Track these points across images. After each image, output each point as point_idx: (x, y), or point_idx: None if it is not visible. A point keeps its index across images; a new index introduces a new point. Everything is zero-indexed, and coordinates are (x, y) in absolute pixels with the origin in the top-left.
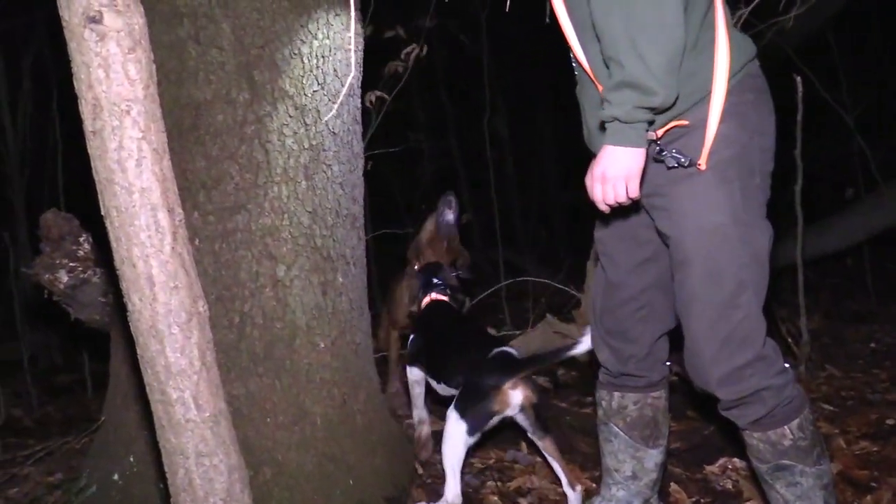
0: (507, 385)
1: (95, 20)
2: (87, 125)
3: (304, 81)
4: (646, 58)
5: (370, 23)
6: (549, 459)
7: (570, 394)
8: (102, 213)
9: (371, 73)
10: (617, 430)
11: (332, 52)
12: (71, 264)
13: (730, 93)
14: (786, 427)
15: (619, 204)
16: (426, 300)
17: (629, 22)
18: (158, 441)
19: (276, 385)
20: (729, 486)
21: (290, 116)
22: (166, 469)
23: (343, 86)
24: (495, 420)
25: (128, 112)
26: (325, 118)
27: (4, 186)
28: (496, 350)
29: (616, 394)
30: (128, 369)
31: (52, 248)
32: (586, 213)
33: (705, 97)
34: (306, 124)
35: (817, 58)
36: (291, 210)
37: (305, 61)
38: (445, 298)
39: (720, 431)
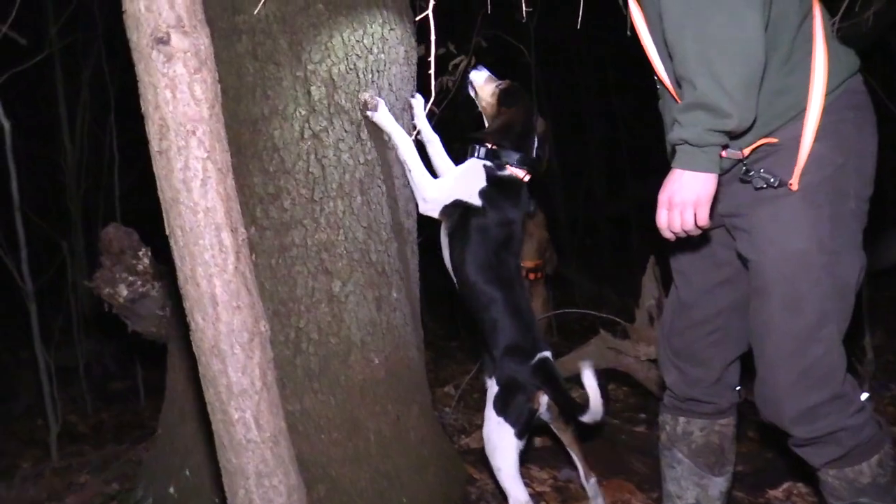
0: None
1: (163, 41)
2: (154, 145)
3: (360, 96)
4: (720, 78)
5: (421, 43)
6: (569, 450)
7: (620, 410)
8: (167, 232)
9: (419, 86)
10: (681, 456)
11: (388, 66)
12: (130, 278)
13: (826, 110)
14: (864, 464)
15: (686, 232)
16: None
17: (703, 39)
18: (218, 460)
19: (331, 401)
20: None
21: (346, 132)
22: (226, 489)
23: (398, 99)
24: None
25: (193, 132)
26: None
27: (62, 197)
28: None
29: (681, 419)
30: (184, 383)
31: (113, 262)
32: (638, 225)
33: (799, 115)
34: (361, 139)
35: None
36: (347, 225)
37: (361, 76)
38: None
39: (784, 455)
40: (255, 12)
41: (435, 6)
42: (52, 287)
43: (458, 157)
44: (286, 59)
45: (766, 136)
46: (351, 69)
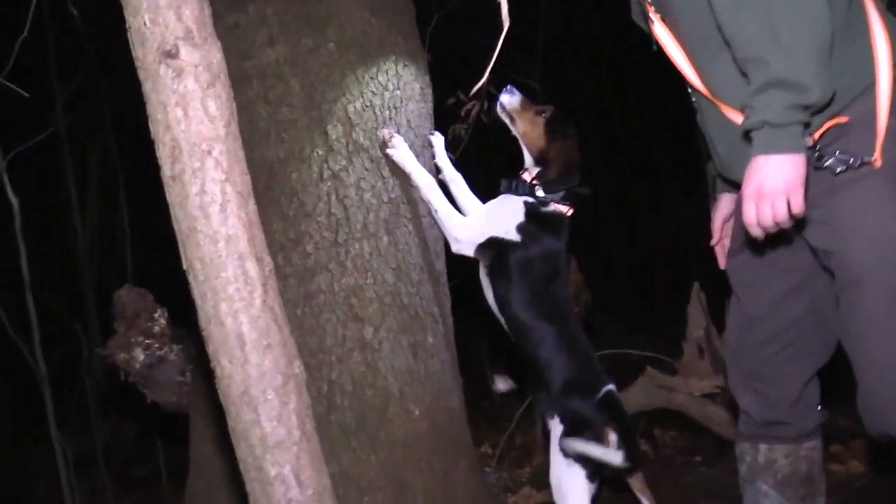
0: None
1: (171, 55)
2: (166, 170)
3: (378, 134)
4: (793, 51)
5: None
6: (640, 496)
7: (673, 454)
8: (185, 267)
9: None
10: (766, 488)
11: (405, 102)
12: (147, 342)
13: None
14: None
15: (778, 225)
16: None
17: (769, 16)
18: None
19: (372, 459)
20: None
21: (367, 170)
22: None
23: (417, 137)
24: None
25: (209, 152)
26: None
27: (74, 278)
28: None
29: (762, 446)
30: (211, 451)
31: (127, 327)
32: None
33: (866, 89)
34: (383, 177)
35: None
36: (375, 267)
37: (378, 113)
38: None
39: (873, 484)
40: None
41: (442, 54)
42: (65, 370)
43: (484, 195)
44: (299, 100)
45: (833, 118)
46: (367, 106)
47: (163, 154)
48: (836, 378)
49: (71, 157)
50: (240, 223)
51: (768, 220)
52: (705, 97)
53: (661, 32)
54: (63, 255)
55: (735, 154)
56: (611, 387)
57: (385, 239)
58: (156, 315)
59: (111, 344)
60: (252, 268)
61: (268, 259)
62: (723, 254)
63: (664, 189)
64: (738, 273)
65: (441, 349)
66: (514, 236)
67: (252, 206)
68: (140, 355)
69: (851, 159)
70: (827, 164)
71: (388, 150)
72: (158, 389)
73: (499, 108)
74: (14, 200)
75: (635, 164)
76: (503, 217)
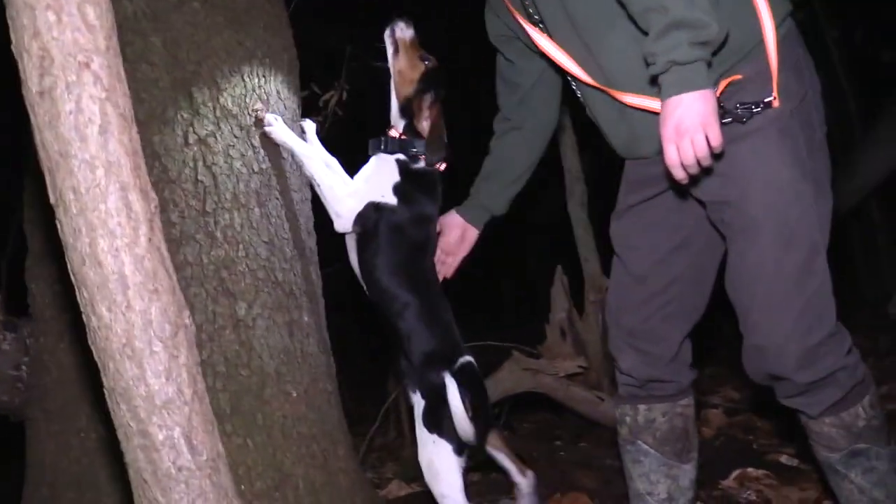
0: None
1: None
2: (32, 85)
3: (247, 100)
4: None
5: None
6: (496, 454)
7: (538, 434)
8: (52, 200)
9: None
10: (646, 447)
11: (273, 72)
12: None
13: (780, 43)
14: (859, 406)
15: (700, 161)
16: None
17: None
18: (137, 502)
19: (249, 444)
20: (753, 496)
21: (236, 137)
22: None
23: (287, 109)
24: None
25: (87, 65)
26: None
27: None
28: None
29: (642, 407)
30: (54, 452)
31: None
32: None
33: (755, 48)
34: (253, 147)
35: None
36: (246, 240)
37: (247, 80)
38: None
39: (731, 441)
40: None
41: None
42: None
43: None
44: (161, 58)
45: (727, 77)
46: (235, 71)
47: (29, 66)
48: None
49: None
50: (122, 149)
51: (690, 158)
52: (595, 88)
53: (540, 39)
54: None
55: (638, 131)
56: (468, 358)
57: (257, 211)
58: None
59: None
60: (136, 201)
61: (153, 195)
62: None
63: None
64: (622, 234)
65: (315, 329)
66: (391, 199)
67: (135, 134)
68: None
69: (752, 106)
70: (729, 119)
71: (266, 129)
72: None
73: (388, 33)
74: None
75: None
76: (380, 178)
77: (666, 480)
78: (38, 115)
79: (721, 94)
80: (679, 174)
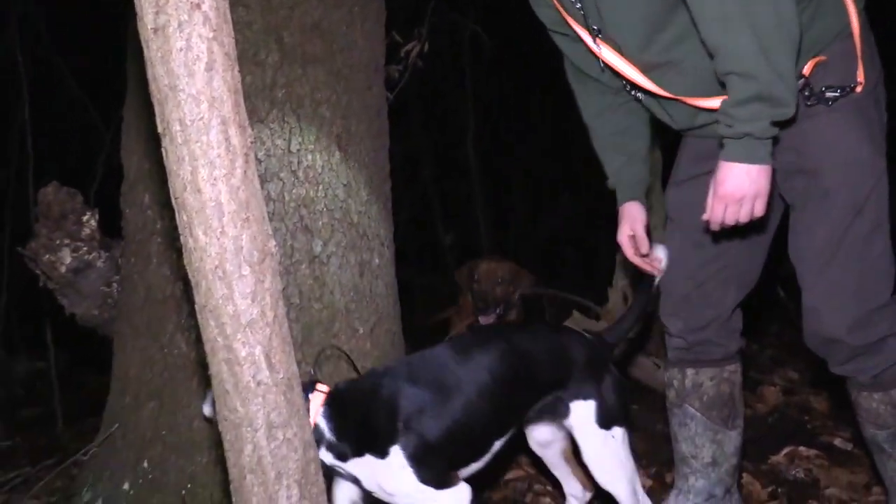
0: None
1: None
2: (148, 21)
3: (333, 47)
4: (779, 66)
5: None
6: (562, 463)
7: None
8: (160, 129)
9: None
10: (693, 411)
11: (362, 21)
12: (75, 244)
13: (861, 28)
14: None
15: (737, 224)
16: None
17: (756, 32)
18: (219, 411)
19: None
20: (801, 474)
21: (322, 82)
22: (228, 445)
23: (370, 58)
24: None
25: (198, 6)
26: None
27: None
28: None
29: (689, 370)
30: (139, 365)
31: (52, 229)
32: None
33: (839, 34)
34: (338, 92)
35: None
36: (326, 181)
37: (335, 28)
38: None
39: (784, 419)
40: None
41: None
42: None
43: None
44: (256, 2)
45: (815, 57)
46: (324, 18)
47: (145, 3)
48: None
49: None
50: (225, 86)
51: (732, 222)
52: (659, 95)
53: (609, 55)
54: None
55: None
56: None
57: (337, 154)
58: (84, 217)
59: (34, 244)
60: (235, 135)
61: (249, 130)
62: (645, 264)
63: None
64: (680, 201)
65: (385, 272)
66: None
67: (236, 72)
68: (67, 258)
69: (839, 90)
70: (815, 97)
71: None
72: (80, 301)
73: None
74: None
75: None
76: None
77: (711, 445)
78: (152, 50)
79: (809, 74)
80: (714, 228)
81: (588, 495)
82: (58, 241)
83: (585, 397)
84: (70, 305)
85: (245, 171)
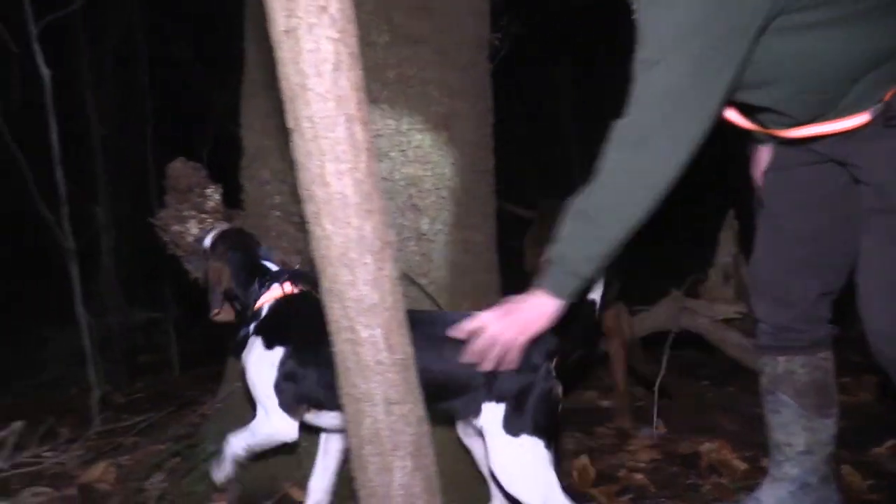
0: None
1: None
2: (280, 24)
3: (440, 26)
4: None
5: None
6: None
7: (684, 374)
8: (290, 125)
9: None
10: (786, 398)
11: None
12: (200, 215)
13: None
14: None
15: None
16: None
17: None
18: (341, 387)
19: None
20: None
21: (429, 62)
22: (349, 418)
23: (477, 34)
24: None
25: (325, 9)
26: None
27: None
28: None
29: (781, 358)
30: None
31: (179, 200)
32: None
33: None
34: (444, 71)
35: None
36: (434, 160)
37: (442, 6)
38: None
39: (886, 412)
40: None
41: None
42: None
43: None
44: None
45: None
46: None
47: (277, 7)
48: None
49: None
50: (350, 85)
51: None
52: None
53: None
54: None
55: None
56: None
57: (444, 134)
58: (208, 191)
59: (164, 215)
60: (359, 131)
61: (371, 126)
62: None
63: None
64: (773, 186)
65: (487, 250)
66: None
67: (360, 71)
68: (194, 228)
69: None
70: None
71: None
72: (203, 266)
73: None
74: (45, 72)
75: None
76: None
77: (804, 433)
78: (283, 50)
79: (888, 99)
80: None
81: None
82: (185, 213)
83: (499, 400)
84: (194, 271)
85: (368, 165)
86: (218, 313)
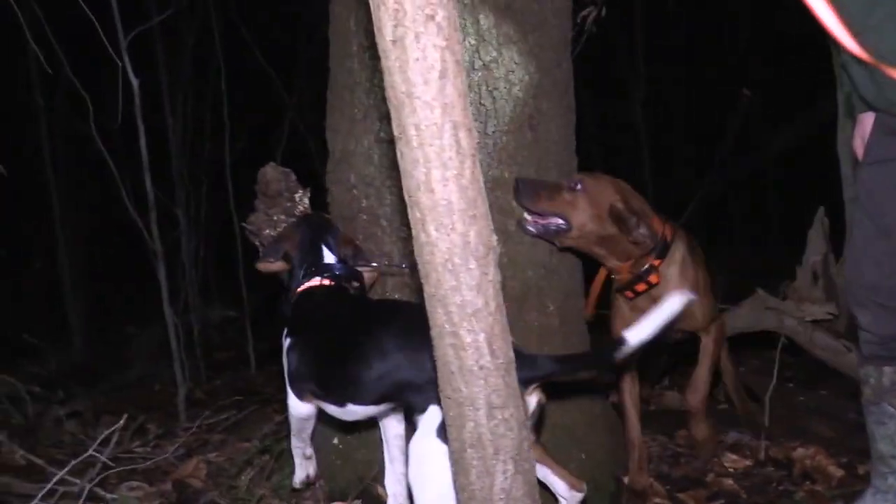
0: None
1: None
2: (387, 34)
3: (525, 27)
4: None
5: None
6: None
7: (766, 373)
8: (396, 132)
9: None
10: (892, 410)
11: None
12: (290, 219)
13: None
14: None
15: None
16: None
17: None
18: (442, 390)
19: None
20: None
21: (516, 63)
22: (450, 422)
23: (561, 34)
24: None
25: (432, 17)
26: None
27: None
28: None
29: (887, 368)
30: None
31: (269, 205)
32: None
33: None
34: (530, 72)
35: None
36: (519, 162)
37: (527, 7)
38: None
39: None
40: None
41: None
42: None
43: None
44: None
45: None
46: None
47: (384, 17)
48: None
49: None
50: (456, 92)
51: None
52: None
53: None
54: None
55: (888, 93)
56: None
57: (529, 135)
58: (296, 196)
59: (254, 219)
60: (464, 138)
61: (475, 133)
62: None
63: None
64: (869, 184)
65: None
66: None
67: (464, 78)
68: None
69: None
70: None
71: None
72: None
73: None
74: (134, 81)
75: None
76: None
77: None
78: (390, 59)
79: None
80: None
81: (578, 495)
82: (275, 217)
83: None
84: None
85: (473, 171)
86: (270, 263)
